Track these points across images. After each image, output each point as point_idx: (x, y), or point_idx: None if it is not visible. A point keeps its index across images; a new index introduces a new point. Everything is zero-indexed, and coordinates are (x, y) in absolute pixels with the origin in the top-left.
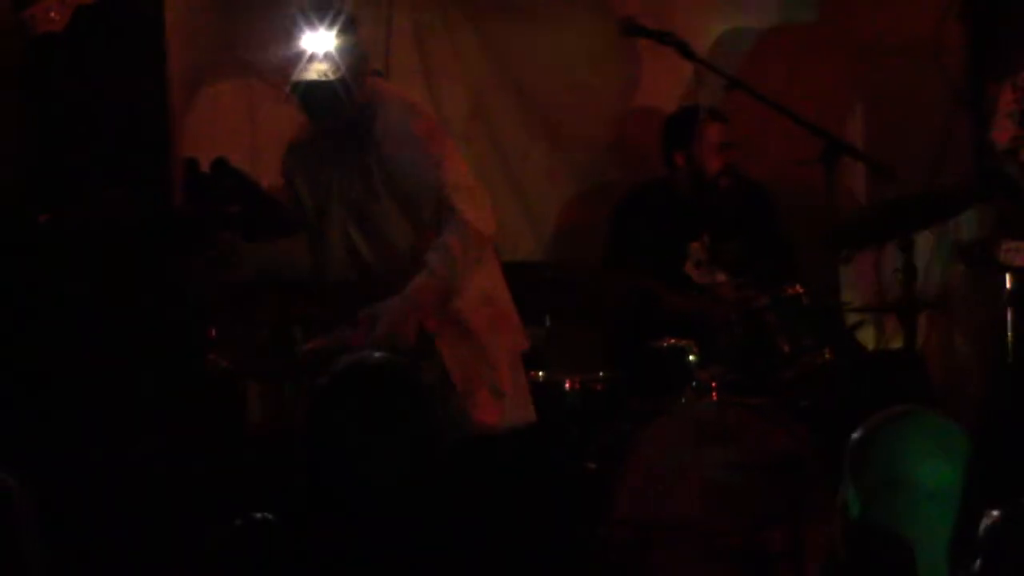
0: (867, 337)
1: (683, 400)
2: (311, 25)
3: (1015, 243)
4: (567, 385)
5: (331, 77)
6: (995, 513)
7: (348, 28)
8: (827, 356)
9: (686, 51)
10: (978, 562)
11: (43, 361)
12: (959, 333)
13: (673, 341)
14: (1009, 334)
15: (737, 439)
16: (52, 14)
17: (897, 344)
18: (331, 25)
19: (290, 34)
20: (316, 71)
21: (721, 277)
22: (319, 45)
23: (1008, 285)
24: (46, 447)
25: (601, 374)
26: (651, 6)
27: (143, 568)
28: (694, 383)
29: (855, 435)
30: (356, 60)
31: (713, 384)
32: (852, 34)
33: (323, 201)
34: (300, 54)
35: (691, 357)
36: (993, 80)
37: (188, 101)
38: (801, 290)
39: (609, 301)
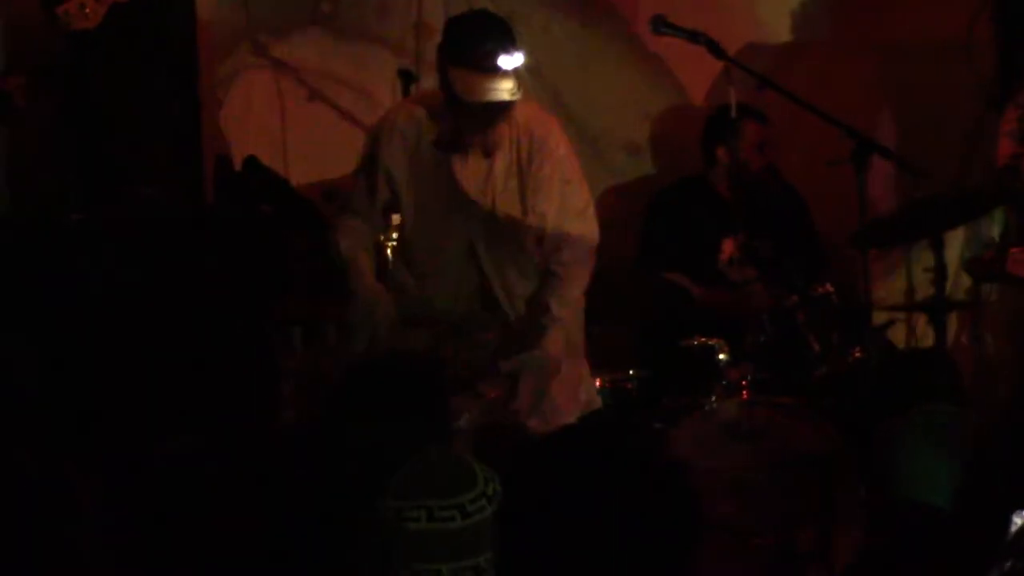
0: (897, 336)
1: (713, 399)
2: (502, 41)
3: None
4: (598, 384)
5: (516, 96)
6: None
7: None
8: (856, 355)
9: (717, 50)
10: (1010, 563)
11: (95, 354)
12: (989, 332)
13: (704, 340)
14: None
15: (767, 438)
16: (86, 10)
17: (927, 343)
18: (517, 42)
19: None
20: (507, 90)
21: (753, 274)
22: (508, 64)
23: None
24: (104, 438)
25: (632, 373)
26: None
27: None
28: (724, 382)
29: (883, 433)
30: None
31: (743, 383)
32: (882, 35)
33: (448, 197)
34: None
35: (721, 356)
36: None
37: (220, 100)
38: (831, 289)
39: (641, 299)
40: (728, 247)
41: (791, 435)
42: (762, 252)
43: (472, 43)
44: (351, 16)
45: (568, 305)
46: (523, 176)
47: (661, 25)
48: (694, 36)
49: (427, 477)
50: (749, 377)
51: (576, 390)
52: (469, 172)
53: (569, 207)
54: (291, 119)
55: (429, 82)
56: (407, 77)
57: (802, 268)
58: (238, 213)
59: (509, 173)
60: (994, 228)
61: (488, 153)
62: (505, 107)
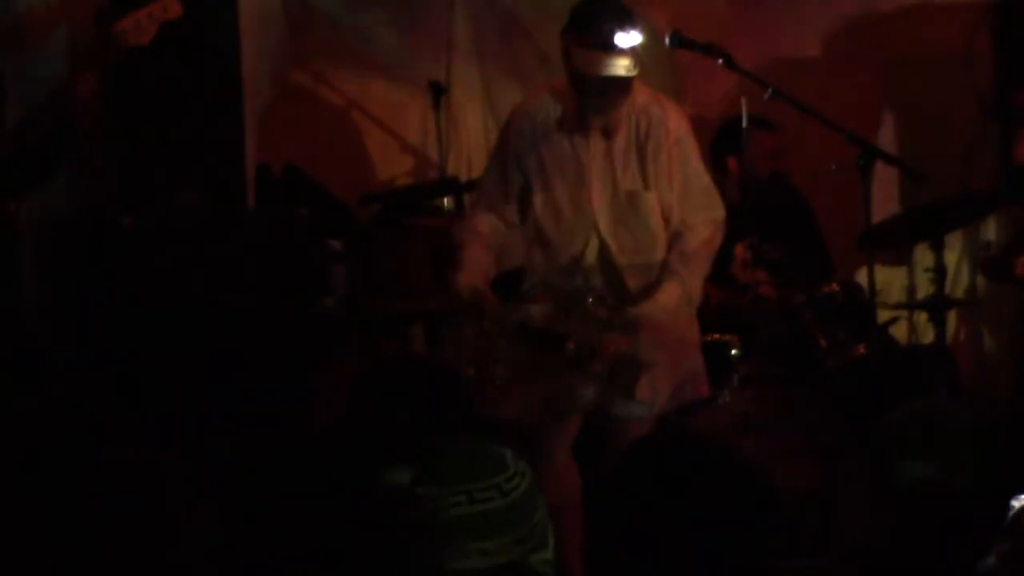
0: (899, 333)
1: (726, 392)
2: (620, 19)
3: None
4: None
5: (632, 72)
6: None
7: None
8: (861, 351)
9: (731, 63)
10: (1008, 545)
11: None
12: (988, 329)
13: (717, 336)
14: None
15: (776, 428)
16: (141, 27)
17: (928, 340)
18: (635, 20)
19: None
20: (623, 66)
21: (763, 277)
22: (625, 42)
23: None
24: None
25: None
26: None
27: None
28: (737, 376)
29: (886, 425)
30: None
31: (754, 377)
32: (886, 48)
33: (574, 180)
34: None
35: (734, 351)
36: (1018, 91)
37: (262, 110)
38: (837, 288)
39: None
40: (740, 252)
41: (799, 426)
42: (771, 255)
43: (591, 22)
44: (385, 29)
45: (687, 263)
46: (642, 153)
47: (677, 40)
48: (709, 50)
49: (461, 463)
50: (760, 371)
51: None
52: (592, 152)
53: (692, 182)
54: (329, 129)
55: (458, 94)
56: (437, 89)
57: (809, 269)
58: (277, 217)
59: (628, 151)
60: (991, 231)
61: (608, 134)
62: (624, 84)
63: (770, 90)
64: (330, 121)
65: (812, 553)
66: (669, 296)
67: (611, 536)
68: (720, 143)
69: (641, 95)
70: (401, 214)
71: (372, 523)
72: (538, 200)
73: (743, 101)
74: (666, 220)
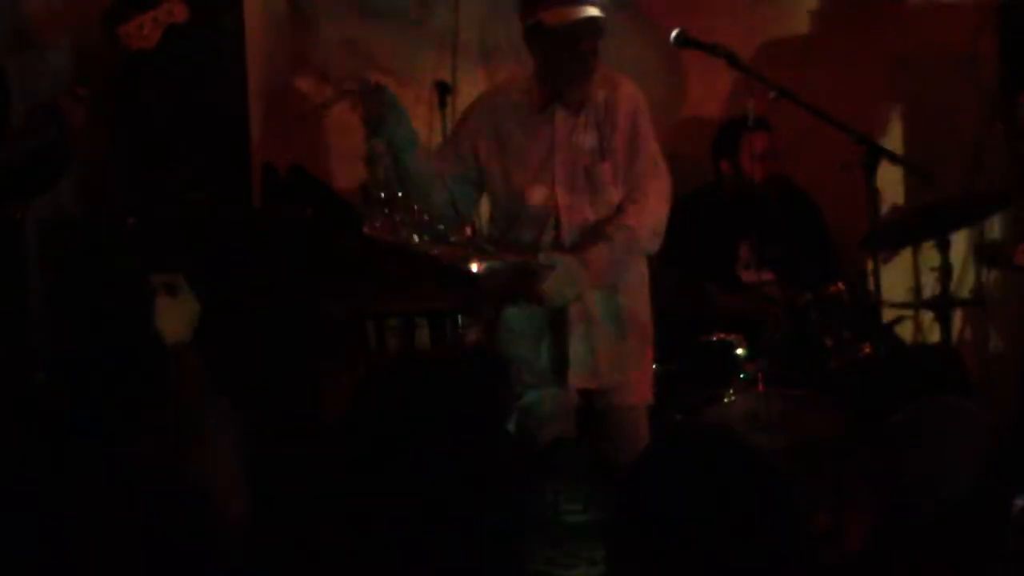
0: (905, 332)
1: (732, 391)
2: None
3: None
4: None
5: (601, 15)
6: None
7: None
8: (866, 350)
9: (735, 62)
10: (1013, 543)
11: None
12: (993, 328)
13: (723, 336)
14: None
15: (783, 427)
16: (144, 31)
17: (934, 339)
18: None
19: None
20: (591, 9)
21: (768, 276)
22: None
23: None
24: None
25: (655, 367)
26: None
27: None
28: (742, 375)
29: (894, 424)
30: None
31: (760, 376)
32: (891, 47)
33: (519, 164)
34: None
35: (739, 351)
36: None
37: (267, 111)
38: (842, 288)
39: (664, 298)
40: (743, 252)
41: (805, 425)
42: (775, 256)
43: None
44: (390, 29)
45: (623, 230)
46: (600, 126)
47: (682, 39)
48: (713, 49)
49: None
50: (766, 370)
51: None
52: (558, 128)
53: (640, 153)
54: (334, 128)
55: (464, 93)
56: (443, 89)
57: (815, 269)
58: (282, 215)
59: (590, 124)
60: (996, 231)
61: (576, 109)
62: (596, 31)
63: (775, 90)
64: (336, 121)
65: (820, 553)
66: (598, 257)
67: (633, 532)
68: (714, 147)
69: (601, 72)
70: None
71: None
72: (496, 190)
73: (751, 104)
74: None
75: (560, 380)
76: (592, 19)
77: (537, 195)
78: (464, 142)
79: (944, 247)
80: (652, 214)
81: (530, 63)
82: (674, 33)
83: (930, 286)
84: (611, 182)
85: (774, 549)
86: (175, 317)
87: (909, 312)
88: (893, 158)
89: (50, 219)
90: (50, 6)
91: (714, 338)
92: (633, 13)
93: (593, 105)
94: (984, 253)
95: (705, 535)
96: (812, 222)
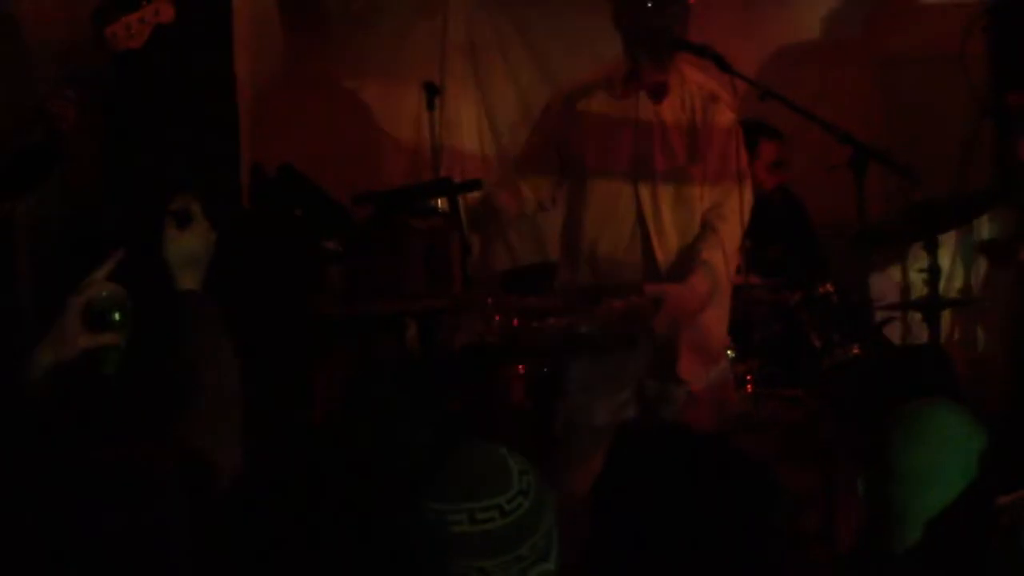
0: (894, 333)
1: None
2: None
3: None
4: None
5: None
6: (1010, 498)
7: None
8: (856, 351)
9: (722, 64)
10: (996, 541)
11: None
12: (982, 329)
13: None
14: None
15: (772, 428)
16: (132, 31)
17: (922, 340)
18: None
19: None
20: None
21: (755, 280)
22: None
23: None
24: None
25: None
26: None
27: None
28: (733, 376)
29: (883, 425)
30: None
31: (750, 376)
32: (882, 47)
33: (619, 144)
34: None
35: (730, 352)
36: (1016, 89)
37: (256, 110)
38: (831, 289)
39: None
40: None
41: (795, 425)
42: (768, 259)
43: None
44: (380, 32)
45: (715, 252)
46: (693, 123)
47: (672, 41)
48: (701, 51)
49: (467, 479)
50: (756, 371)
51: (723, 339)
52: (641, 113)
53: (731, 165)
54: (324, 130)
55: (452, 95)
56: (432, 90)
57: (804, 270)
58: (272, 216)
59: (678, 118)
60: (985, 231)
61: (658, 95)
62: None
63: (763, 91)
64: (325, 122)
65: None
66: (701, 283)
67: (613, 531)
68: None
69: (697, 77)
70: (395, 214)
71: (376, 536)
72: (579, 181)
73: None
74: (701, 192)
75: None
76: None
77: (621, 194)
78: (551, 137)
79: (933, 248)
80: (739, 226)
81: (517, 62)
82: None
83: (919, 287)
84: (696, 187)
85: (751, 547)
86: (186, 249)
87: (898, 313)
88: (881, 159)
89: (37, 221)
90: (38, 7)
91: None
92: None
93: (685, 99)
94: (988, 249)
95: (681, 534)
96: (803, 225)
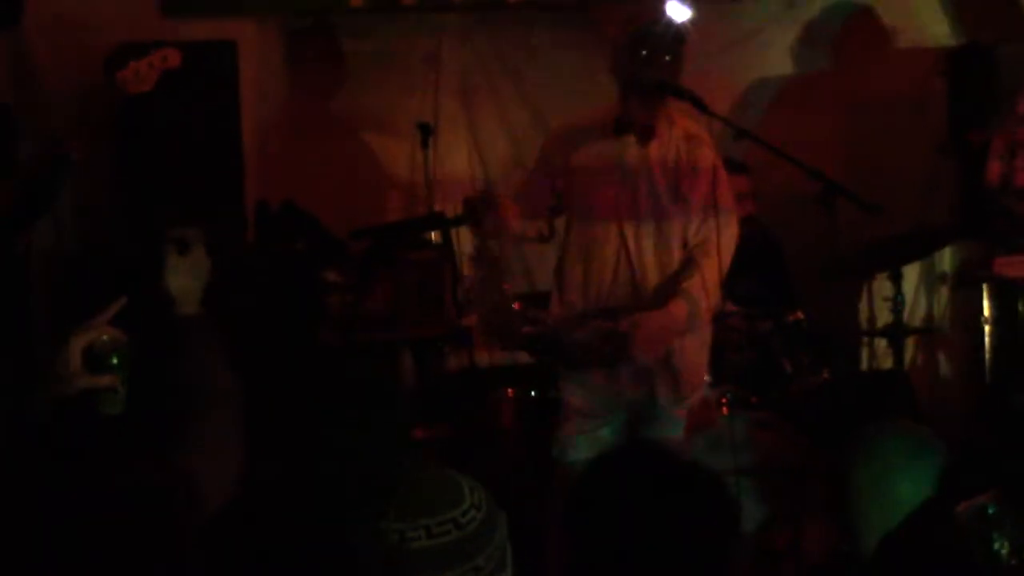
0: (860, 358)
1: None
2: None
3: (1008, 258)
4: None
5: (672, 29)
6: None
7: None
8: (824, 375)
9: (700, 105)
10: (952, 545)
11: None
12: (944, 356)
13: None
14: (987, 355)
15: (745, 449)
16: (141, 76)
17: (887, 365)
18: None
19: None
20: (658, 24)
21: (730, 308)
22: (676, 13)
23: (986, 311)
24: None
25: None
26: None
27: None
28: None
29: (845, 445)
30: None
31: (724, 400)
32: (850, 89)
33: (608, 182)
34: None
35: (705, 376)
36: (975, 129)
37: (260, 150)
38: (801, 316)
39: None
40: None
41: (767, 446)
42: (742, 289)
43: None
44: (376, 74)
45: (695, 282)
46: (677, 165)
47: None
48: (681, 93)
49: (422, 498)
50: (729, 395)
51: (702, 365)
52: (628, 155)
53: (714, 209)
54: (324, 168)
55: (444, 134)
56: (426, 130)
57: (776, 300)
58: (275, 250)
59: (664, 159)
60: (946, 263)
61: (645, 138)
62: (679, 43)
63: (736, 131)
64: (325, 160)
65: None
66: (679, 309)
67: (579, 546)
68: None
69: (683, 120)
70: (391, 247)
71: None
72: (572, 220)
73: (713, 143)
74: (683, 233)
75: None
76: (654, 34)
77: (609, 233)
78: (549, 173)
79: (897, 279)
80: (724, 267)
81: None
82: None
83: (884, 315)
84: (678, 228)
85: (713, 559)
86: (185, 275)
87: (864, 339)
88: (847, 195)
89: (52, 251)
90: (55, 52)
91: None
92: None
93: (670, 144)
94: (966, 276)
95: (646, 549)
96: (775, 257)
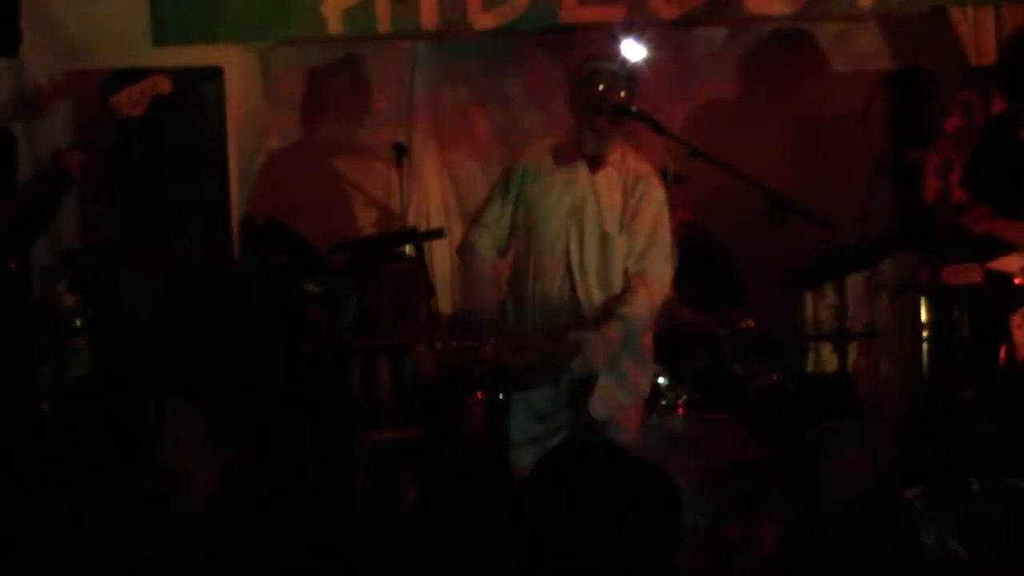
0: (807, 362)
1: (655, 415)
2: (626, 34)
3: (955, 267)
4: None
5: (626, 67)
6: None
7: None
8: (773, 378)
9: (655, 126)
10: (901, 531)
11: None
12: (884, 359)
13: None
14: (925, 359)
15: (700, 447)
16: (134, 101)
17: (832, 368)
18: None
19: None
20: (614, 61)
21: (686, 314)
22: (631, 53)
23: (924, 317)
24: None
25: None
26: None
27: None
28: (664, 401)
29: (798, 443)
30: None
31: (680, 402)
32: (794, 111)
33: (560, 206)
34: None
35: (661, 379)
36: (913, 147)
37: (247, 170)
38: (752, 323)
39: None
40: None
41: (721, 445)
42: (691, 292)
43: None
44: (352, 100)
45: (632, 308)
46: (626, 198)
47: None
48: (638, 115)
49: None
50: (685, 397)
51: (641, 382)
52: (579, 182)
53: (656, 243)
54: (305, 185)
55: (417, 155)
56: (400, 149)
57: (724, 306)
58: (259, 263)
59: (612, 189)
60: (887, 273)
61: (595, 164)
62: (630, 86)
63: (691, 149)
64: (306, 178)
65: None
66: (613, 331)
67: (527, 540)
68: None
69: (634, 158)
70: (368, 260)
71: None
72: (521, 242)
73: (668, 160)
74: (625, 265)
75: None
76: (609, 71)
77: (556, 256)
78: (510, 192)
79: (841, 288)
80: (658, 297)
81: (475, 123)
82: None
83: (828, 322)
84: (621, 254)
85: (655, 548)
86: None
87: (811, 344)
88: (796, 210)
89: (50, 266)
90: (52, 78)
91: None
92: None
93: (620, 174)
94: (916, 285)
95: (591, 541)
96: (724, 266)
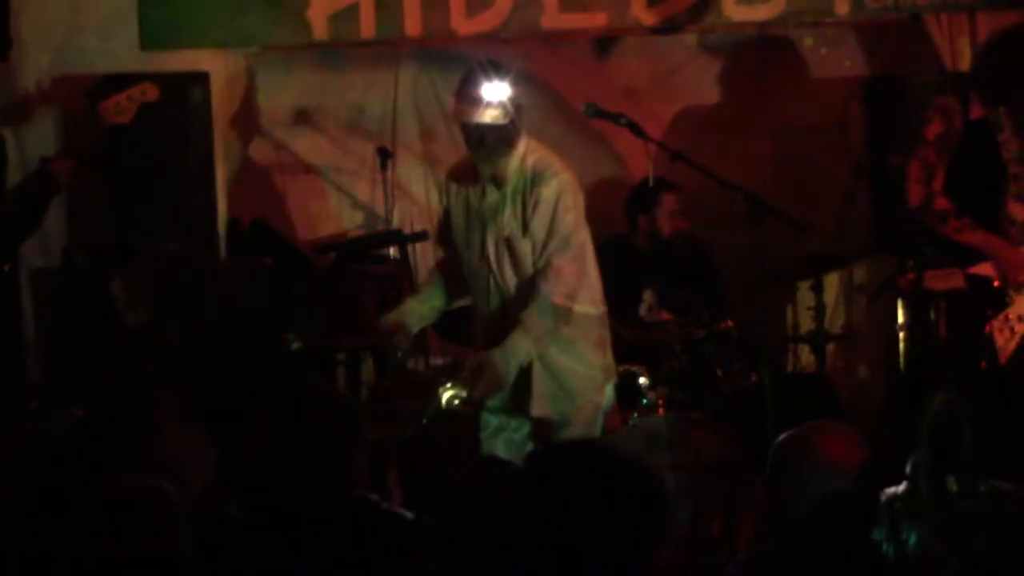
0: (786, 362)
1: (636, 415)
2: (488, 77)
3: (935, 271)
4: None
5: (500, 121)
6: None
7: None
8: (752, 379)
9: (637, 130)
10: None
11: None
12: (861, 360)
13: (627, 367)
14: (901, 359)
15: (681, 446)
16: (121, 108)
17: (811, 368)
18: (504, 78)
19: None
20: (490, 115)
21: (667, 317)
22: (494, 94)
23: (900, 319)
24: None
25: None
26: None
27: None
28: (645, 401)
29: (775, 443)
30: (517, 113)
31: (660, 402)
32: (773, 118)
33: (474, 227)
34: None
35: (642, 380)
36: (895, 152)
37: (234, 173)
38: (731, 324)
39: None
40: (647, 296)
41: (700, 444)
42: (677, 299)
43: (464, 79)
44: (338, 102)
45: (531, 310)
46: (524, 201)
47: (592, 110)
48: (618, 119)
49: None
50: (665, 397)
51: (582, 375)
52: (488, 202)
53: (555, 235)
54: (291, 188)
55: (402, 159)
56: (384, 153)
57: (709, 309)
58: (246, 264)
59: (515, 200)
60: (863, 275)
61: (499, 183)
62: (498, 131)
63: (672, 154)
64: (292, 182)
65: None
66: (515, 344)
67: (514, 541)
68: (632, 202)
69: (533, 155)
70: (353, 261)
71: None
72: (456, 250)
73: (650, 165)
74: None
75: (522, 412)
76: (493, 127)
77: (480, 264)
78: (444, 214)
79: (818, 290)
80: (561, 283)
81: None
82: (585, 104)
83: (807, 323)
84: (527, 256)
85: (639, 543)
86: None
87: (789, 345)
88: (774, 213)
89: (41, 269)
90: (41, 85)
91: (620, 368)
92: (553, 92)
93: (520, 180)
94: (896, 288)
95: (578, 538)
96: (707, 270)
